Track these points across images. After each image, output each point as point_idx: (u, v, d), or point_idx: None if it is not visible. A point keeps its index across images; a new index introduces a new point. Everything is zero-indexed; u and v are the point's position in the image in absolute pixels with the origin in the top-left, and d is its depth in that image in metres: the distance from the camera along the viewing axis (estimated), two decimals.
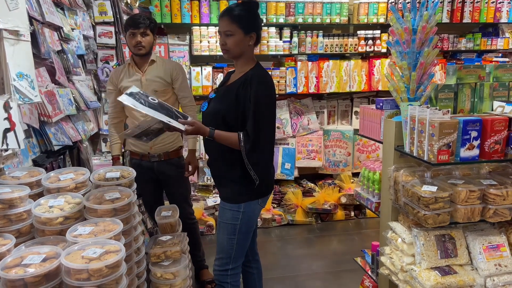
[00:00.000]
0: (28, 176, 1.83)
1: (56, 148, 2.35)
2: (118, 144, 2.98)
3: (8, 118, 1.66)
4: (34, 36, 2.19)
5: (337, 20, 4.41)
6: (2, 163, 1.80)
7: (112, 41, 3.53)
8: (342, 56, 4.57)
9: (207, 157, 2.32)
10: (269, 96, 2.07)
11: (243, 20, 2.02)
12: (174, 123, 1.96)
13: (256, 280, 2.47)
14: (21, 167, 1.96)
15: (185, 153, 3.09)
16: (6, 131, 1.65)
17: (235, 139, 2.00)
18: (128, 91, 2.03)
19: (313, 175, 4.74)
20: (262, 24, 2.20)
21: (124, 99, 1.98)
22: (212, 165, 2.22)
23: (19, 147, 1.73)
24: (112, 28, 3.51)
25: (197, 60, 4.36)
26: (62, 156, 2.48)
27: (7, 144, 1.65)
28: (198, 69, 4.22)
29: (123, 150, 3.12)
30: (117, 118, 2.94)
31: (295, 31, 4.38)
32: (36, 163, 2.15)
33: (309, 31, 4.38)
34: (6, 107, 1.65)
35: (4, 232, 1.57)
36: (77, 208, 1.68)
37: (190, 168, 2.97)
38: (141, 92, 2.05)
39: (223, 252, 2.20)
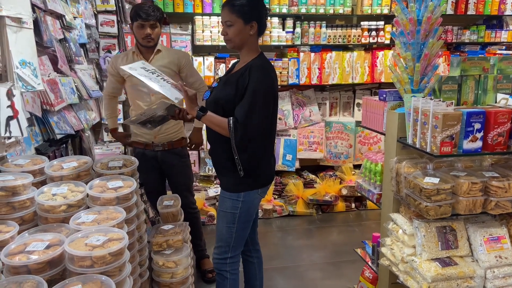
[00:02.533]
0: (31, 164, 1.84)
1: (58, 136, 2.36)
2: (114, 118, 3.03)
3: (11, 106, 1.67)
4: (36, 24, 2.18)
5: (341, 11, 4.37)
6: (5, 151, 1.80)
7: (114, 30, 3.51)
8: (345, 47, 4.55)
9: (209, 147, 2.33)
10: (266, 86, 2.04)
11: (243, 9, 2.00)
12: (165, 92, 2.02)
13: (256, 269, 2.48)
14: (24, 155, 1.96)
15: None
16: (9, 118, 1.65)
17: (224, 123, 2.00)
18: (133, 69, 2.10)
19: (314, 167, 4.75)
20: (268, 13, 2.16)
21: (127, 69, 2.10)
22: (213, 154, 2.22)
23: (22, 135, 1.73)
24: (114, 17, 3.50)
25: (199, 50, 4.34)
26: (64, 145, 2.49)
27: (10, 132, 1.65)
28: (200, 59, 4.20)
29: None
30: (113, 94, 2.98)
31: (298, 22, 4.35)
32: (38, 151, 2.16)
33: (312, 22, 4.35)
34: (9, 95, 1.65)
35: (7, 219, 1.58)
36: (80, 196, 1.69)
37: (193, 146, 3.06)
38: (145, 68, 2.14)
39: (222, 241, 2.22)
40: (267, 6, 2.04)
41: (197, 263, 3.20)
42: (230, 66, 2.29)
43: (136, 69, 2.10)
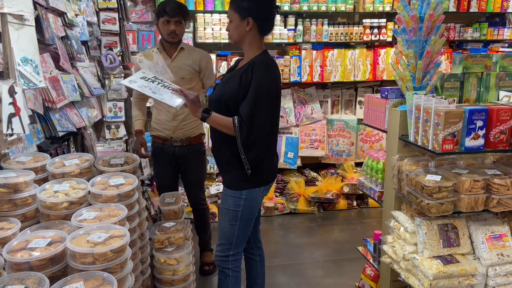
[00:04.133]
0: (33, 161, 1.84)
1: (60, 134, 2.36)
2: (141, 120, 3.06)
3: (13, 103, 1.67)
4: (38, 22, 2.18)
5: (343, 8, 4.36)
6: (7, 148, 1.80)
7: (115, 27, 3.51)
8: (347, 45, 4.53)
9: (210, 144, 2.34)
10: (269, 83, 2.04)
11: (240, 5, 2.04)
12: (166, 100, 2.01)
13: (258, 267, 2.48)
14: (26, 153, 1.97)
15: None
16: (11, 116, 1.65)
17: (229, 123, 2.00)
18: (132, 78, 2.08)
19: (316, 165, 4.75)
20: (276, 12, 2.16)
21: (127, 83, 2.05)
22: (216, 151, 2.22)
23: (24, 132, 1.73)
24: (115, 15, 3.49)
25: (200, 48, 4.31)
26: (66, 142, 2.49)
27: (12, 129, 1.65)
28: None
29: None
30: (141, 96, 2.99)
31: (300, 19, 4.34)
32: (40, 148, 2.16)
33: (314, 19, 4.34)
34: (11, 92, 1.65)
35: (9, 216, 1.59)
36: (82, 193, 1.69)
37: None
38: (144, 76, 2.10)
39: (225, 238, 2.22)
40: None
41: (200, 254, 3.26)
42: (233, 63, 2.30)
43: (136, 81, 2.10)
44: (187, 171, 3.03)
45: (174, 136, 2.90)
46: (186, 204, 3.50)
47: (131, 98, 3.13)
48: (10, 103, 1.65)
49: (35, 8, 2.13)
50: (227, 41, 4.18)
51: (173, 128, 2.87)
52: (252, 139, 2.01)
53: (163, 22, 2.76)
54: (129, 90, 3.46)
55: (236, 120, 1.99)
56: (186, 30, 4.16)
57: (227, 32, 2.14)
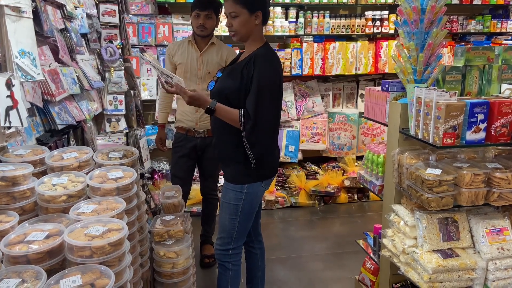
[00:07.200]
0: (31, 154, 1.83)
1: (60, 127, 2.35)
2: (165, 113, 3.18)
3: (11, 96, 1.66)
4: (36, 14, 2.16)
5: (344, 0, 4.33)
6: (6, 141, 1.80)
7: (115, 20, 3.48)
8: (348, 38, 4.50)
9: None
10: (272, 76, 2.02)
11: None
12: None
13: (259, 260, 2.48)
14: (24, 146, 1.96)
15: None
16: (9, 108, 1.65)
17: (236, 115, 1.99)
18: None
19: (317, 158, 4.74)
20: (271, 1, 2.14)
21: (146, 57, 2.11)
22: (217, 145, 2.21)
23: (22, 125, 1.72)
24: (115, 7, 3.46)
25: None
26: (66, 135, 2.48)
27: (9, 122, 1.64)
28: None
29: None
30: None
31: (301, 11, 4.31)
32: (40, 141, 2.15)
33: (315, 12, 4.31)
34: (9, 85, 1.64)
35: (7, 209, 1.58)
36: (81, 187, 1.68)
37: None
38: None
39: (225, 232, 2.22)
40: None
41: (200, 247, 3.29)
42: (236, 56, 2.27)
43: (152, 62, 2.13)
44: (205, 161, 3.10)
45: (197, 128, 2.98)
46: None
47: (159, 89, 3.21)
48: (7, 96, 1.64)
49: (33, 0, 2.11)
50: (226, 33, 4.16)
51: (195, 119, 2.95)
52: (257, 133, 1.99)
53: (194, 15, 2.86)
54: (129, 84, 3.45)
55: (242, 112, 1.97)
56: (186, 22, 4.16)
57: (229, 27, 2.05)
